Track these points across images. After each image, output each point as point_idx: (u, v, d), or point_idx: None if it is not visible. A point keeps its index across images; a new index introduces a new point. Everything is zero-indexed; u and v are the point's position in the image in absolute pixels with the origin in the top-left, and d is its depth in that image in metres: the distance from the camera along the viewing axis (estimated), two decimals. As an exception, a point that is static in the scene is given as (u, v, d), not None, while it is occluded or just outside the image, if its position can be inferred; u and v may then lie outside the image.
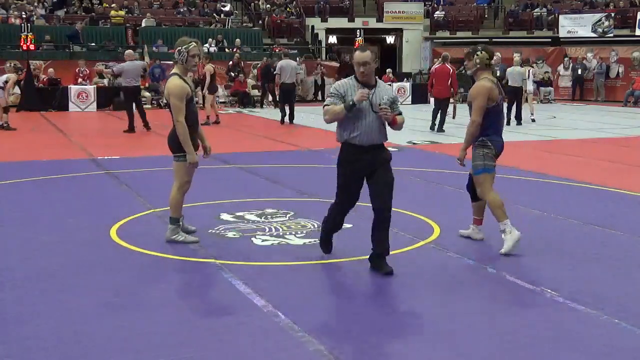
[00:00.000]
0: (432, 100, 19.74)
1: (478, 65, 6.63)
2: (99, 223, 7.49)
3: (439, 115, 17.52)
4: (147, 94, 23.89)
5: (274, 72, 20.38)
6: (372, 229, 5.87)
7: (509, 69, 19.73)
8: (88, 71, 24.42)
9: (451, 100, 17.78)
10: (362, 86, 5.67)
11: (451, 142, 15.29)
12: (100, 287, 5.46)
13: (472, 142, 6.72)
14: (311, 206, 8.46)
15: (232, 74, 25.83)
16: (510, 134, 16.76)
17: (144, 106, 18.58)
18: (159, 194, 8.33)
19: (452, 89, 17.56)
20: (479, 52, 6.62)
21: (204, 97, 19.18)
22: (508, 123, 19.02)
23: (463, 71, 19.45)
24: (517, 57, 20.57)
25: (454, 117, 17.69)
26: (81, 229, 7.32)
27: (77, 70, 24.20)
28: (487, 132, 6.62)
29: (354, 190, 5.93)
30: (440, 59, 18.38)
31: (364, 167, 5.76)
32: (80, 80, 23.98)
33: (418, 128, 18.43)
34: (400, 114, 5.90)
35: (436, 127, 17.37)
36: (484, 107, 6.52)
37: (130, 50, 18.92)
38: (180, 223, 6.77)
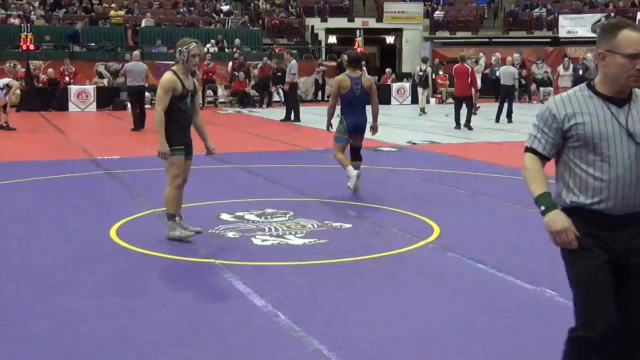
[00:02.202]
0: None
1: (345, 64, 9.64)
2: (99, 223, 7.50)
3: (461, 114, 17.78)
4: (147, 93, 23.87)
5: (292, 73, 20.51)
6: None
7: (501, 68, 20.01)
8: (74, 69, 24.32)
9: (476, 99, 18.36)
10: (607, 102, 3.05)
11: (452, 142, 15.30)
12: (101, 287, 5.46)
13: (330, 117, 9.49)
14: (311, 206, 8.47)
15: (237, 74, 25.78)
16: (510, 133, 16.79)
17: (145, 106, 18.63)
18: (159, 193, 8.30)
19: (472, 87, 17.74)
20: (344, 56, 9.37)
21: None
22: (497, 120, 19.19)
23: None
24: (516, 56, 20.75)
25: (475, 113, 18.19)
26: (81, 229, 7.32)
27: (61, 69, 24.17)
28: (343, 111, 9.29)
29: (604, 291, 3.05)
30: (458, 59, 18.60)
31: (612, 253, 3.04)
32: (66, 79, 23.92)
33: (418, 128, 18.45)
34: None
35: (461, 125, 17.63)
36: (337, 93, 9.27)
37: (137, 51, 19.00)
38: (177, 219, 6.79)
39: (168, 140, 6.62)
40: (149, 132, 16.90)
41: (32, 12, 28.63)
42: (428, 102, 23.94)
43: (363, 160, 9.63)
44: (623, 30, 2.97)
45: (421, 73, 23.12)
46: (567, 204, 3.09)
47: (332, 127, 9.51)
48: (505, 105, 19.33)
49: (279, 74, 23.66)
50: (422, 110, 22.44)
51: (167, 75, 6.66)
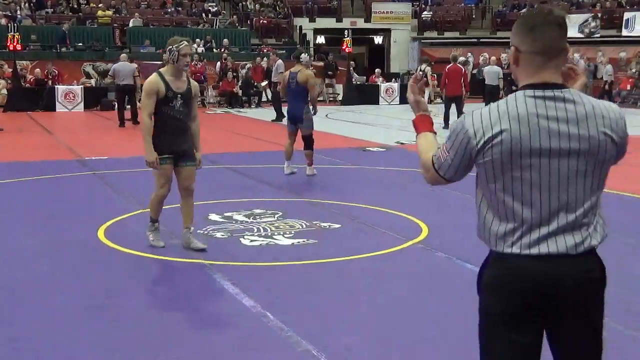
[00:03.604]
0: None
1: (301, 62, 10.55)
2: (87, 224, 7.47)
3: (450, 113, 17.87)
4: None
5: (280, 72, 20.53)
6: None
7: (485, 68, 20.19)
8: (57, 72, 24.15)
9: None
10: None
11: (440, 142, 15.31)
12: (89, 288, 5.45)
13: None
14: (299, 206, 8.47)
15: (222, 74, 25.73)
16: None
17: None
18: (147, 194, 8.27)
19: (463, 87, 17.83)
20: (301, 54, 10.68)
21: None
22: None
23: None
24: (504, 56, 20.86)
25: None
26: (69, 230, 7.29)
27: (45, 72, 23.95)
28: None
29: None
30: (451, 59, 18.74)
31: (538, 309, 2.43)
32: (49, 83, 23.70)
33: (407, 128, 18.47)
34: None
35: (449, 125, 17.71)
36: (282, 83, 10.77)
37: (124, 54, 19.93)
38: (157, 224, 6.59)
39: (154, 148, 6.23)
40: (138, 133, 16.85)
41: (19, 12, 28.46)
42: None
43: (352, 161, 9.64)
44: None
45: (421, 72, 23.72)
46: (499, 242, 2.52)
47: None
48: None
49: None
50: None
51: (150, 78, 6.29)
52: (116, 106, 19.55)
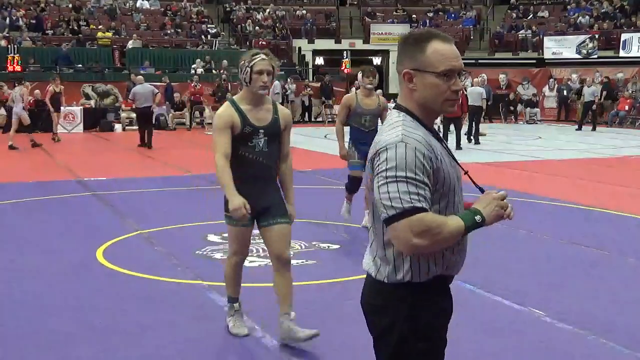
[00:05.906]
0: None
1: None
2: (86, 245, 7.46)
3: (449, 134, 17.92)
4: (123, 114, 23.91)
5: (276, 92, 20.64)
6: None
7: (469, 88, 20.19)
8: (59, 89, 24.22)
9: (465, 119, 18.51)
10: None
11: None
12: (88, 310, 5.43)
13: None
14: (298, 227, 8.44)
15: (219, 95, 25.90)
16: (495, 154, 16.87)
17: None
18: (146, 215, 8.32)
19: (461, 109, 17.88)
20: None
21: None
22: (469, 140, 19.25)
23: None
24: (502, 77, 20.88)
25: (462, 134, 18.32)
26: (68, 251, 7.28)
27: (46, 90, 24.06)
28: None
29: None
30: None
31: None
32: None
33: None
34: None
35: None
36: (344, 113, 8.86)
37: (140, 76, 20.03)
38: (237, 305, 5.04)
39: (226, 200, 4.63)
40: (137, 154, 16.89)
41: (20, 34, 28.57)
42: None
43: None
44: (431, 42, 2.41)
45: None
46: (431, 271, 2.49)
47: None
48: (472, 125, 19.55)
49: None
50: (438, 129, 23.30)
51: (220, 110, 4.63)
52: (116, 128, 19.62)
